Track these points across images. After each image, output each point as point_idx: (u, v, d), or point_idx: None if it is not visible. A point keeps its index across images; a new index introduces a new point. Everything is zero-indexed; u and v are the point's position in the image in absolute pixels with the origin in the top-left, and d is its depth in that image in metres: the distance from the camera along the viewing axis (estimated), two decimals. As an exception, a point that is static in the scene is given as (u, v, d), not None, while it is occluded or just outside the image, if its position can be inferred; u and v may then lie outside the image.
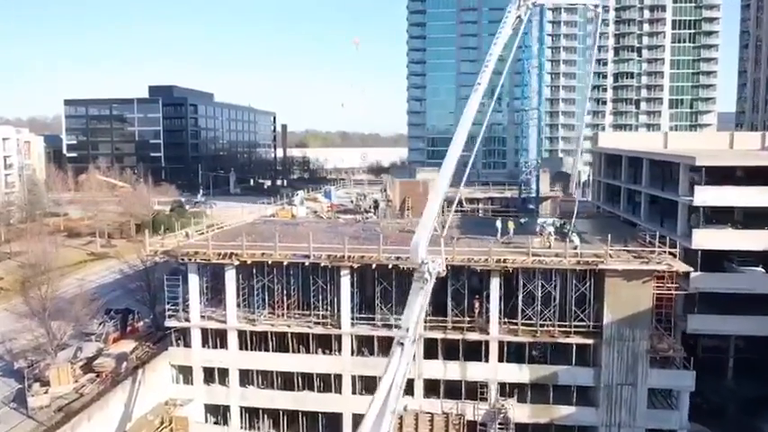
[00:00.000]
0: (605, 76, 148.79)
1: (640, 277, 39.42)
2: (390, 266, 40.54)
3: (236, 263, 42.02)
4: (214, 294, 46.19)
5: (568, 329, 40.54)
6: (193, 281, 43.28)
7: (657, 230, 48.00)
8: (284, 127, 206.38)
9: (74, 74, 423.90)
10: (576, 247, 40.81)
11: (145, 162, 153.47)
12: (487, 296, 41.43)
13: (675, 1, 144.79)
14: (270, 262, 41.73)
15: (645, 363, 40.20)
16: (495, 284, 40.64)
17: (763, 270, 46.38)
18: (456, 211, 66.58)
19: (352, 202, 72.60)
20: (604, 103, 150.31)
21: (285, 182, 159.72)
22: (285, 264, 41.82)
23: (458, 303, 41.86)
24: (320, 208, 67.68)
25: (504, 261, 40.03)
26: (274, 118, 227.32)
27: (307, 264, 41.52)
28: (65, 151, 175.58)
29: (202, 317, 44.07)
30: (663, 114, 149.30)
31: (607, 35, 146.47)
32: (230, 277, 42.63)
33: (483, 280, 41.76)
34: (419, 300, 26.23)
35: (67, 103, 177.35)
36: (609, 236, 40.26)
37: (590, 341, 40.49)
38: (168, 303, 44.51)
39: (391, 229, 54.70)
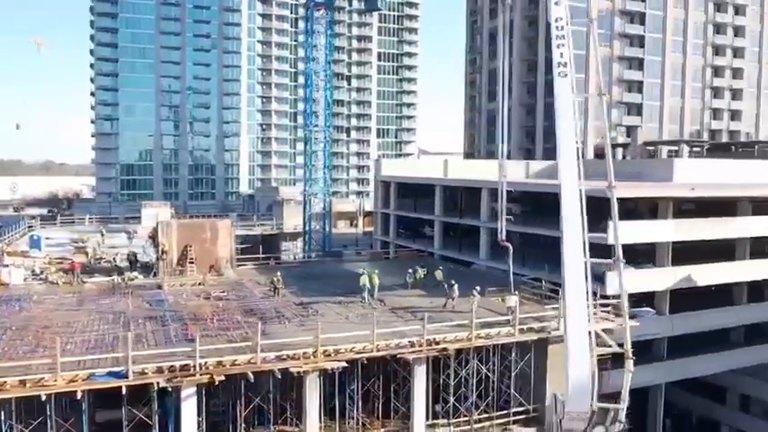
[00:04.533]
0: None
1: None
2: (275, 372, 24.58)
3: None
4: None
5: (507, 419, 29.98)
6: None
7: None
8: None
9: None
10: (510, 310, 30.61)
11: None
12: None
13: (380, 33, 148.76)
14: (44, 396, 21.71)
15: (587, 446, 31.94)
16: (420, 374, 27.75)
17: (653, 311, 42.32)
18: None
19: (84, 249, 50.58)
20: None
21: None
22: (80, 394, 22.26)
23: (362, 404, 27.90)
24: (39, 266, 44.86)
25: (437, 342, 27.57)
26: None
27: (124, 390, 22.65)
28: None
29: None
30: (371, 143, 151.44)
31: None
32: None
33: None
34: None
35: None
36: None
37: (531, 430, 30.56)
38: None
39: (187, 296, 37.28)
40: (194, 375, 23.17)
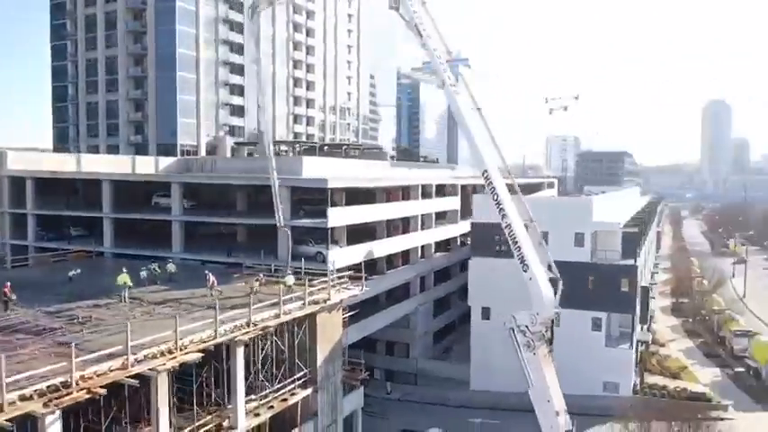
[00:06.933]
0: None
1: (335, 307, 37.29)
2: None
3: None
4: None
5: (293, 384, 33.92)
6: None
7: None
8: None
9: None
10: (289, 287, 34.47)
11: None
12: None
13: None
14: None
15: (341, 395, 38.48)
16: (240, 356, 29.40)
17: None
18: None
19: None
20: None
21: None
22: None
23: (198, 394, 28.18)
24: None
25: (255, 324, 29.77)
26: None
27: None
28: None
29: None
30: None
31: None
32: None
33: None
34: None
35: None
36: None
37: (308, 391, 35.16)
38: None
39: None
40: (71, 393, 20.63)
